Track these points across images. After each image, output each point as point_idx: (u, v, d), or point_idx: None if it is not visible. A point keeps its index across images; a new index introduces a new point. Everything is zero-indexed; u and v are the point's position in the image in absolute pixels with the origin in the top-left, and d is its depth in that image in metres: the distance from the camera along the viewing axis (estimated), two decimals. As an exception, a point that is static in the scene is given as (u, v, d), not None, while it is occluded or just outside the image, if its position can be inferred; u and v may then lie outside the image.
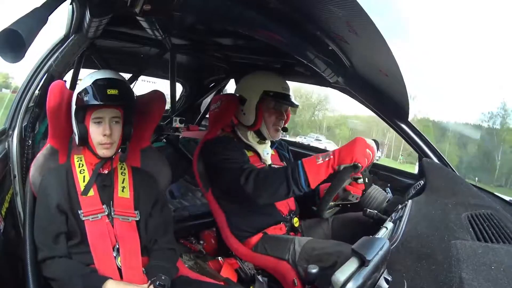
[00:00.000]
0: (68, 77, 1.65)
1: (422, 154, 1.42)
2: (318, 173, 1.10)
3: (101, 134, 1.00)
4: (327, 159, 1.10)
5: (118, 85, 1.01)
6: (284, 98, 1.38)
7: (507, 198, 1.24)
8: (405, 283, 0.62)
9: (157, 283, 0.92)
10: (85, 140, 1.03)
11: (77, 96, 1.00)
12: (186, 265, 1.35)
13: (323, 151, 2.07)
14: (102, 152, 1.02)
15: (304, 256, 1.16)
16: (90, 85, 0.99)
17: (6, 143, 1.12)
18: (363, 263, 0.54)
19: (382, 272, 0.60)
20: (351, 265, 0.54)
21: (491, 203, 1.05)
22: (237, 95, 1.42)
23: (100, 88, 0.99)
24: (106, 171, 1.07)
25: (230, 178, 1.23)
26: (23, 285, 0.93)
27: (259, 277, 1.31)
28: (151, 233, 1.08)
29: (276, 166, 1.44)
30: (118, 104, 1.02)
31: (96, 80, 1.00)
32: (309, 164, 1.11)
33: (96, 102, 0.98)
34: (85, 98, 0.98)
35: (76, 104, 1.01)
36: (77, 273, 0.92)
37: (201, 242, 1.88)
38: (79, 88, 1.02)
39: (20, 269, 0.96)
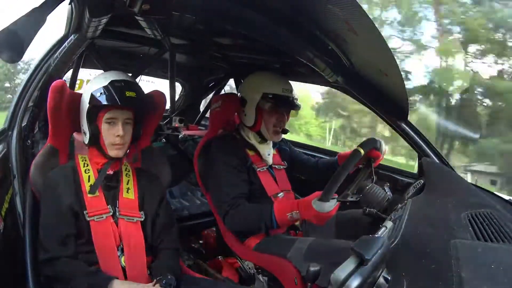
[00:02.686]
0: (68, 77, 1.65)
1: (421, 154, 1.42)
2: (287, 223, 1.25)
3: (115, 134, 1.00)
4: (295, 217, 1.18)
5: (135, 87, 1.02)
6: (283, 101, 1.37)
7: (506, 197, 1.24)
8: (405, 282, 0.62)
9: (164, 282, 0.92)
10: (96, 140, 1.02)
11: (92, 95, 1.00)
12: (186, 265, 1.36)
13: (325, 151, 2.08)
14: (114, 152, 1.02)
15: (310, 254, 1.14)
16: (107, 85, 0.99)
17: (6, 143, 1.12)
18: (362, 262, 0.55)
19: (382, 271, 0.61)
20: (350, 263, 0.54)
21: (490, 202, 1.05)
22: (239, 95, 1.42)
23: (118, 90, 0.99)
24: (111, 172, 1.07)
25: (217, 200, 1.35)
26: (23, 285, 0.93)
27: (259, 276, 1.32)
28: (158, 232, 1.09)
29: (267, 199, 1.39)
30: (136, 106, 1.03)
31: (113, 81, 1.00)
32: (280, 215, 1.19)
33: (114, 103, 0.98)
34: (102, 98, 0.98)
35: (90, 103, 1.00)
36: (82, 272, 0.92)
37: (201, 241, 1.88)
38: (91, 87, 1.02)
39: (20, 269, 0.96)
